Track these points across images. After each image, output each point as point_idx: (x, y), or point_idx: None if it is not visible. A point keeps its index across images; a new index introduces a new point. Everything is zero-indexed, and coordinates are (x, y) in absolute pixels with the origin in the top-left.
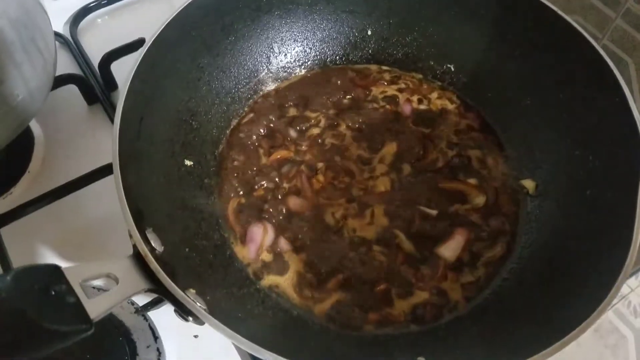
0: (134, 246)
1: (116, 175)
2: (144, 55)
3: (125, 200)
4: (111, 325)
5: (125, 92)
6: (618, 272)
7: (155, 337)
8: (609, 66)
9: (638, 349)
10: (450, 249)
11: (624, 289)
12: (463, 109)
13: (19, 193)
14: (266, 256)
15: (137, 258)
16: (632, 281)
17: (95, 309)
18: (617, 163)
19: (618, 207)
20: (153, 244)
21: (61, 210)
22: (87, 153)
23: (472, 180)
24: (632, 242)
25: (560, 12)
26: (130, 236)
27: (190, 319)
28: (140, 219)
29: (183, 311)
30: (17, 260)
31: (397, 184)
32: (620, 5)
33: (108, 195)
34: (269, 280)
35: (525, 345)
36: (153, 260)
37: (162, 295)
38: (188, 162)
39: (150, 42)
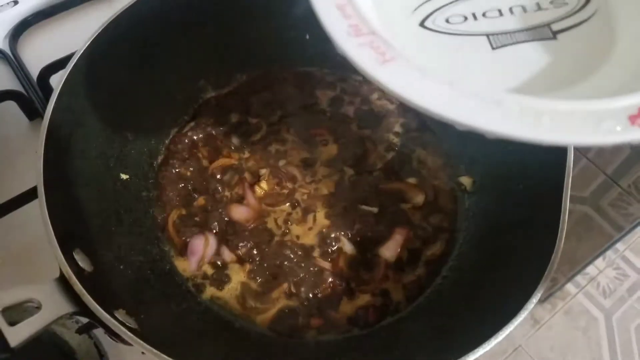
0: (60, 268)
1: (40, 197)
2: (71, 70)
3: (49, 223)
4: (53, 345)
5: (51, 110)
6: (547, 262)
7: (101, 355)
8: None
9: (609, 329)
10: (389, 249)
11: (593, 271)
12: (402, 108)
13: None
14: (208, 268)
15: (62, 281)
16: (600, 262)
17: (16, 336)
18: (546, 156)
19: (547, 198)
20: (81, 265)
21: None
22: (31, 169)
23: (412, 180)
24: (559, 234)
25: None
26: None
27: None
28: (69, 240)
29: (111, 333)
30: None
31: (340, 186)
32: None
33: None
34: (210, 292)
35: (465, 341)
36: (77, 282)
37: (88, 317)
38: (124, 176)
39: (77, 57)
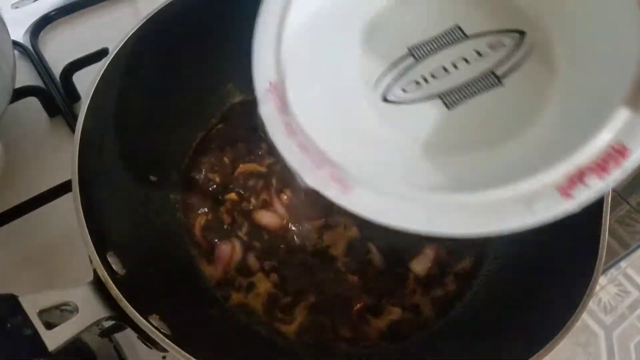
0: (95, 271)
1: (76, 199)
2: (105, 70)
3: (85, 224)
4: (73, 348)
5: (85, 109)
6: (587, 282)
7: (122, 359)
8: None
9: (609, 345)
10: (420, 264)
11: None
12: None
13: None
14: (234, 275)
15: (98, 284)
16: (602, 279)
17: (54, 340)
18: None
19: (584, 215)
20: (115, 268)
21: (19, 230)
22: (49, 167)
23: None
24: (599, 255)
25: None
26: (91, 261)
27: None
28: (102, 242)
29: (145, 339)
30: None
31: None
32: None
33: (68, 213)
34: (236, 300)
35: None
36: (114, 286)
37: (124, 322)
38: (152, 178)
39: (112, 56)
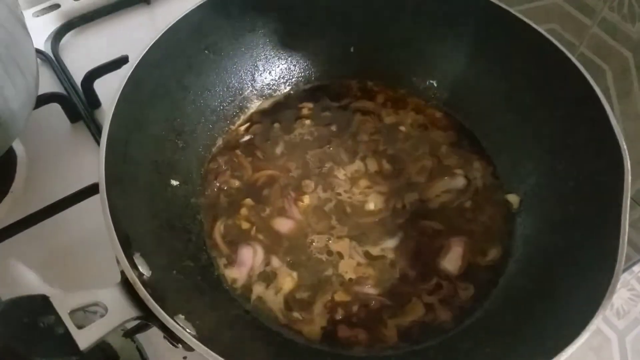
0: (122, 272)
1: (103, 202)
2: (129, 77)
3: (112, 227)
4: (97, 348)
5: (111, 116)
6: (604, 290)
7: (144, 359)
8: (586, 78)
9: (622, 350)
10: (451, 261)
11: None
12: (447, 123)
13: (2, 214)
14: (255, 278)
15: (126, 285)
16: None
17: (85, 339)
18: (599, 176)
19: (602, 221)
20: (141, 269)
21: (45, 232)
22: (71, 172)
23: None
24: (618, 260)
25: (536, 27)
26: (118, 262)
27: (180, 345)
28: (128, 244)
29: (172, 338)
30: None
31: (384, 200)
32: (596, 14)
33: (93, 216)
34: (257, 301)
35: None
36: (142, 287)
37: (151, 322)
38: (174, 182)
39: (135, 64)
